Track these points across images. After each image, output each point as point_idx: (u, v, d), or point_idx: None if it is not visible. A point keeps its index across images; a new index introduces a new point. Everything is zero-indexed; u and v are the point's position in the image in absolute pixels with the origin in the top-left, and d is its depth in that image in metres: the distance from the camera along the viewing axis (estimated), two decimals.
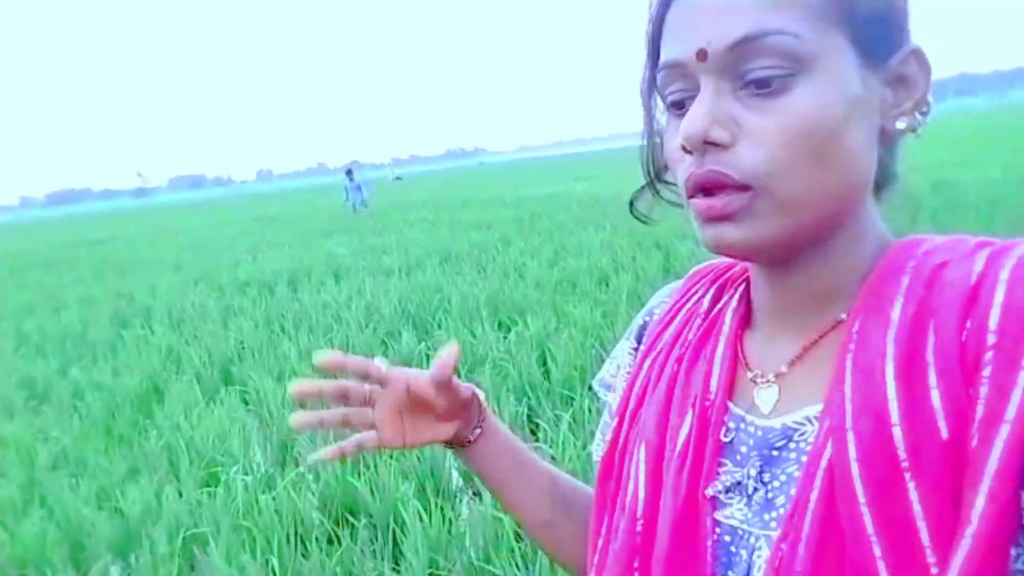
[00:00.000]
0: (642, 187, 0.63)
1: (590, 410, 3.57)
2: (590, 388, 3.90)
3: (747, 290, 0.62)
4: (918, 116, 0.52)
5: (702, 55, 0.49)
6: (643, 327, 0.72)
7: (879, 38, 0.51)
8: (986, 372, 0.43)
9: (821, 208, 0.50)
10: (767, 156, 0.48)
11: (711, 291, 0.66)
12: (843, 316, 0.53)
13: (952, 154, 15.24)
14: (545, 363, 4.39)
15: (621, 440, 0.64)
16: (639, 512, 0.58)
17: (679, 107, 0.53)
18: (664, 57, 0.53)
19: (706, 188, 0.50)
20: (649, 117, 0.59)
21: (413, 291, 7.05)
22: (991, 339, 0.44)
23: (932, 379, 0.45)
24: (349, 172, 21.18)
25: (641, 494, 0.59)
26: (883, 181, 0.56)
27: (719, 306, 0.64)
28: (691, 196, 0.52)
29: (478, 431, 0.75)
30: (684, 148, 0.50)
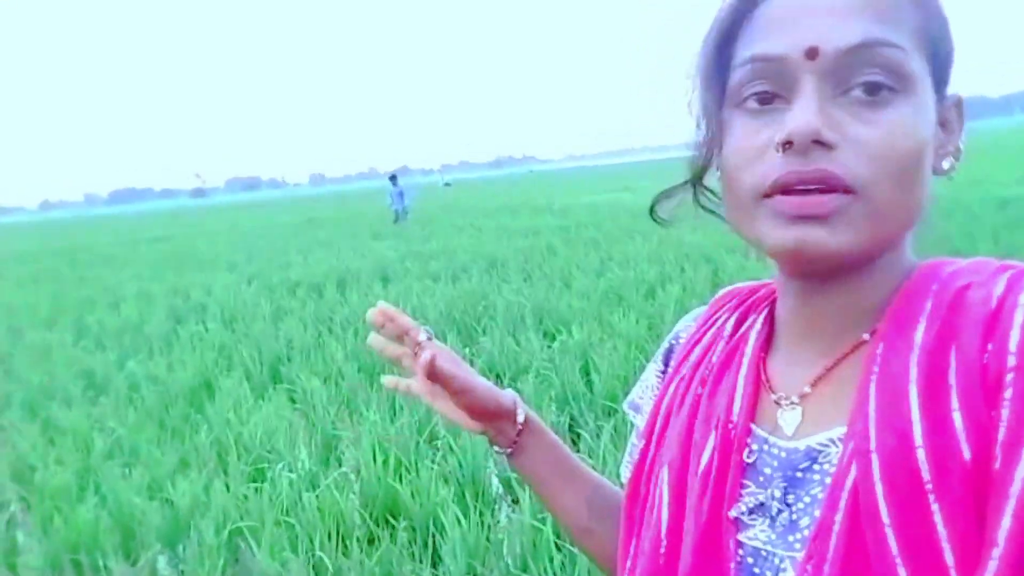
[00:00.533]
0: (669, 189, 0.62)
1: (632, 423, 3.54)
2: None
3: (771, 313, 0.63)
4: (954, 161, 0.54)
5: (813, 53, 0.49)
6: (670, 350, 0.72)
7: (944, 78, 0.53)
8: (1007, 394, 0.44)
9: (901, 225, 0.51)
10: (869, 163, 0.48)
11: (735, 315, 0.66)
12: (865, 336, 0.54)
13: (1014, 172, 14.73)
14: (588, 374, 4.38)
15: (648, 462, 0.64)
16: (663, 533, 0.58)
17: (764, 103, 0.51)
18: (756, 50, 0.51)
19: (801, 188, 0.49)
20: (712, 113, 0.55)
21: (459, 297, 7.10)
22: (1012, 361, 0.44)
23: (954, 401, 0.45)
24: (393, 178, 20.32)
25: (664, 516, 0.59)
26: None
27: (743, 329, 0.64)
28: (774, 195, 0.50)
29: (518, 439, 0.77)
30: (784, 144, 0.49)
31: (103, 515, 3.31)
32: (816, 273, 0.54)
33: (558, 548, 2.68)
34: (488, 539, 2.83)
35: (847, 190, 0.48)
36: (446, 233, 14.93)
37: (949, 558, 0.43)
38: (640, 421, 0.72)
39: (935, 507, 0.44)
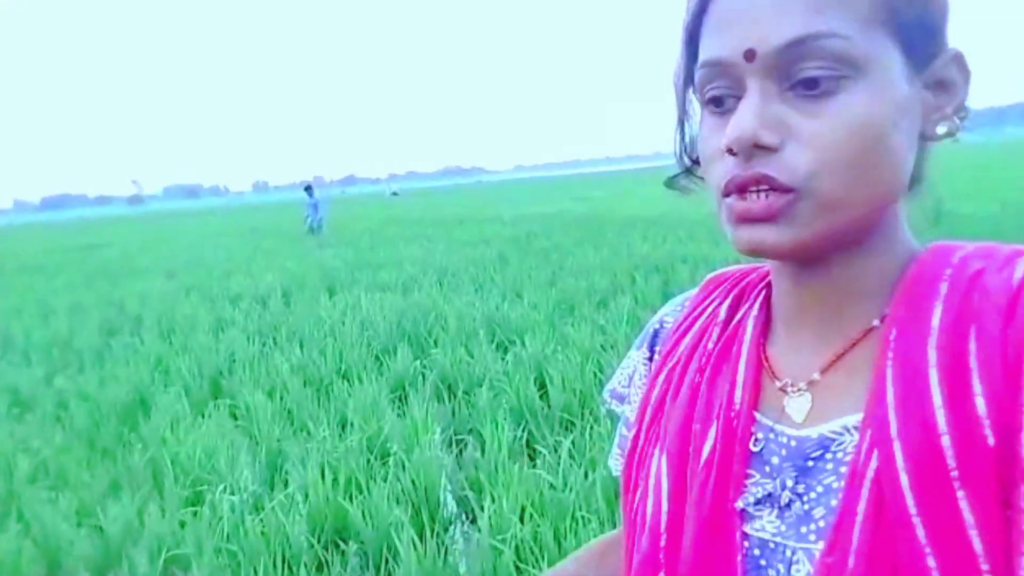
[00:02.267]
0: (676, 175, 0.62)
1: (591, 436, 3.47)
2: (591, 413, 3.82)
3: (767, 297, 0.61)
4: (956, 121, 0.52)
5: (750, 55, 0.48)
6: (655, 335, 0.70)
7: (923, 42, 0.50)
8: None
9: (861, 210, 0.50)
10: (815, 158, 0.47)
11: (728, 299, 0.64)
12: (875, 322, 0.53)
13: (951, 186, 15.30)
14: (543, 386, 4.29)
15: (639, 451, 0.62)
16: (662, 527, 0.56)
17: (718, 104, 0.52)
18: (706, 54, 0.51)
19: (747, 189, 0.49)
20: (682, 111, 0.58)
21: (409, 308, 6.95)
22: None
23: (976, 386, 0.45)
24: (308, 188, 18.69)
25: (664, 507, 0.57)
26: (912, 182, 0.55)
27: (739, 315, 0.62)
28: (727, 196, 0.50)
29: None
30: (730, 150, 0.49)
31: (27, 543, 3.06)
32: (790, 263, 0.55)
33: (518, 569, 2.57)
34: (445, 560, 2.71)
35: (786, 189, 0.48)
36: (394, 243, 14.73)
37: (978, 546, 0.43)
38: (629, 411, 0.70)
39: (961, 494, 0.43)
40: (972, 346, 0.46)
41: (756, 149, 0.48)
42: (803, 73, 0.48)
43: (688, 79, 0.55)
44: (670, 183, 0.63)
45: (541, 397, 4.11)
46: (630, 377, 0.72)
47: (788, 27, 0.47)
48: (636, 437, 0.63)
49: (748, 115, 0.48)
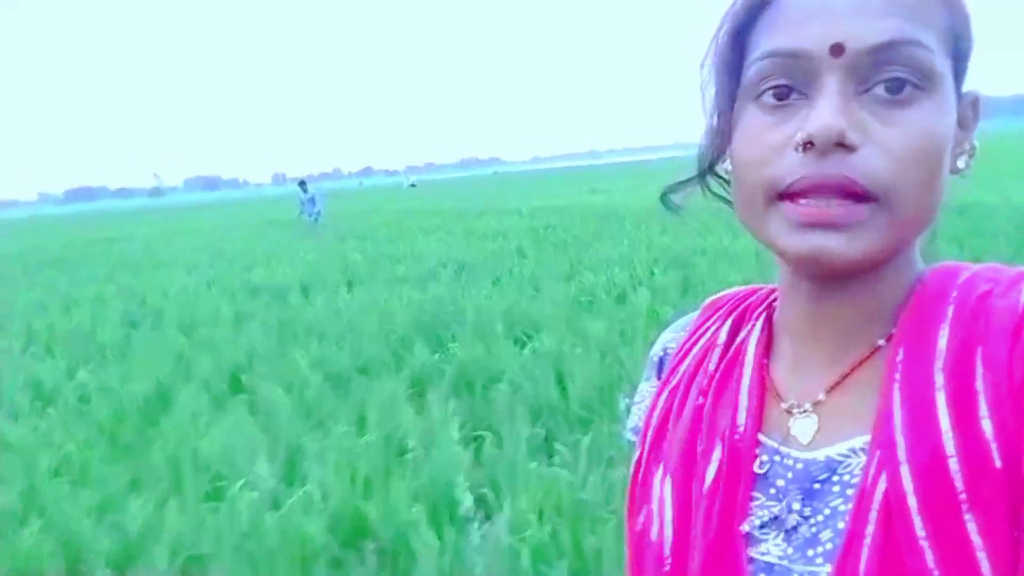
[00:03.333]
0: (685, 180, 0.60)
1: (610, 433, 3.43)
2: (609, 410, 3.78)
3: (769, 318, 0.61)
4: (968, 159, 0.53)
5: (838, 50, 0.47)
6: (660, 363, 0.70)
7: (963, 77, 0.51)
8: None
9: (920, 229, 0.50)
10: (892, 167, 0.46)
11: (728, 322, 0.64)
12: (880, 343, 0.52)
13: (975, 176, 15.00)
14: (562, 381, 4.26)
15: (641, 473, 0.62)
16: (667, 550, 0.56)
17: (782, 98, 0.50)
18: (776, 44, 0.49)
19: (805, 193, 0.47)
20: (726, 107, 0.54)
21: (427, 301, 6.94)
22: None
23: (983, 409, 0.45)
24: (302, 184, 19.16)
25: (668, 531, 0.56)
26: None
27: (740, 337, 0.62)
28: (790, 197, 0.48)
29: None
30: (806, 144, 0.47)
31: (48, 539, 3.09)
32: (832, 277, 0.53)
33: (535, 568, 2.55)
34: (462, 559, 2.69)
35: (868, 197, 0.46)
36: (413, 235, 14.73)
37: (986, 569, 0.43)
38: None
39: (968, 517, 0.43)
40: (979, 369, 0.46)
41: (835, 147, 0.46)
42: (888, 75, 0.47)
43: (734, 70, 0.53)
44: (671, 191, 0.61)
45: (560, 394, 4.08)
46: (644, 410, 0.70)
47: (883, 28, 0.47)
48: (639, 461, 0.63)
49: (832, 110, 0.46)
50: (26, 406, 4.98)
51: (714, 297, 0.69)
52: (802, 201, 0.47)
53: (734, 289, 0.68)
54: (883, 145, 0.46)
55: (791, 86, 0.49)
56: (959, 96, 0.51)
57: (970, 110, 0.53)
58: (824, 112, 0.46)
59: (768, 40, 0.50)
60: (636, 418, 0.72)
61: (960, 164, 0.52)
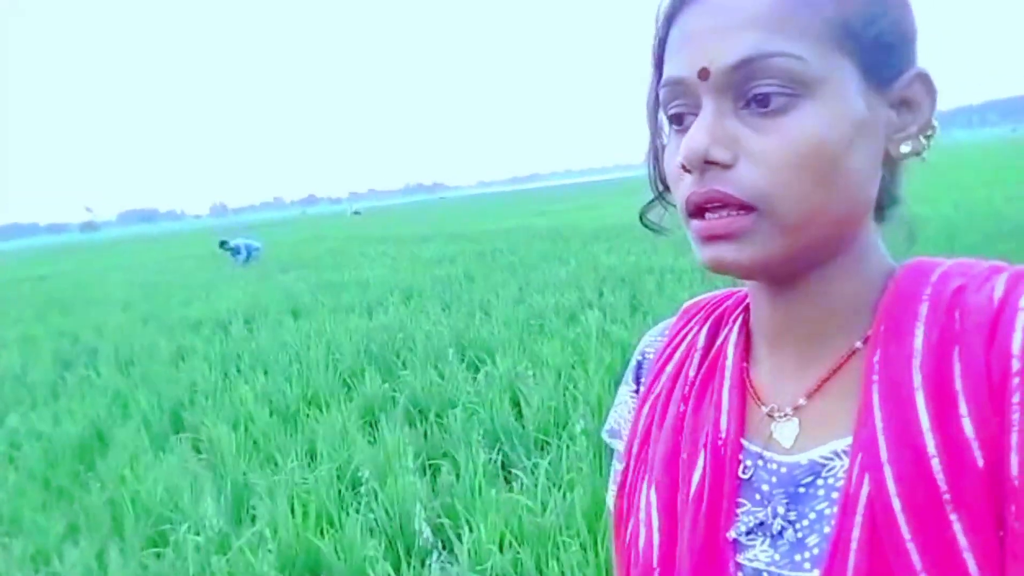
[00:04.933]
0: (651, 201, 0.62)
1: (567, 456, 3.40)
2: (567, 432, 3.75)
3: (745, 322, 0.61)
4: (922, 140, 0.52)
5: (704, 73, 0.49)
6: (639, 367, 0.70)
7: (884, 61, 0.50)
8: (1016, 399, 0.43)
9: (823, 229, 0.49)
10: (768, 176, 0.47)
11: (706, 326, 0.64)
12: (858, 344, 0.52)
13: (908, 189, 15.63)
14: (518, 405, 4.22)
15: (628, 484, 0.62)
16: (655, 560, 0.55)
17: (679, 121, 0.52)
18: (667, 73, 0.52)
19: (706, 208, 0.49)
20: (653, 133, 0.58)
21: (375, 330, 6.83)
22: (1016, 364, 0.43)
23: (963, 407, 0.45)
24: (223, 243, 18.83)
25: (655, 540, 0.56)
26: (885, 203, 0.55)
27: (719, 341, 0.62)
28: (691, 216, 0.51)
29: None
30: (684, 167, 0.49)
31: None
32: (760, 282, 0.55)
33: None
34: None
35: (744, 207, 0.48)
36: (358, 263, 14.55)
37: (973, 568, 0.43)
38: (620, 446, 0.68)
39: (953, 517, 0.43)
40: (957, 367, 0.46)
41: (708, 165, 0.48)
42: (755, 90, 0.48)
43: (656, 101, 0.56)
44: (645, 211, 0.62)
45: (516, 418, 4.03)
46: (622, 412, 0.71)
47: (739, 46, 0.47)
48: (625, 471, 0.63)
49: (700, 131, 0.48)
50: None
51: (691, 302, 0.69)
52: (695, 218, 0.50)
53: (711, 293, 0.68)
54: (757, 156, 0.48)
55: (685, 111, 0.52)
56: (886, 83, 0.50)
57: (917, 88, 0.51)
58: (691, 136, 0.48)
59: (665, 69, 0.52)
60: (612, 420, 0.72)
61: (903, 149, 0.51)
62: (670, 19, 0.52)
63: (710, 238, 0.49)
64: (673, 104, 0.52)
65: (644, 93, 0.58)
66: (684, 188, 0.51)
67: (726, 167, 0.48)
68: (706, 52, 0.49)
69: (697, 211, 0.50)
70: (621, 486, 0.63)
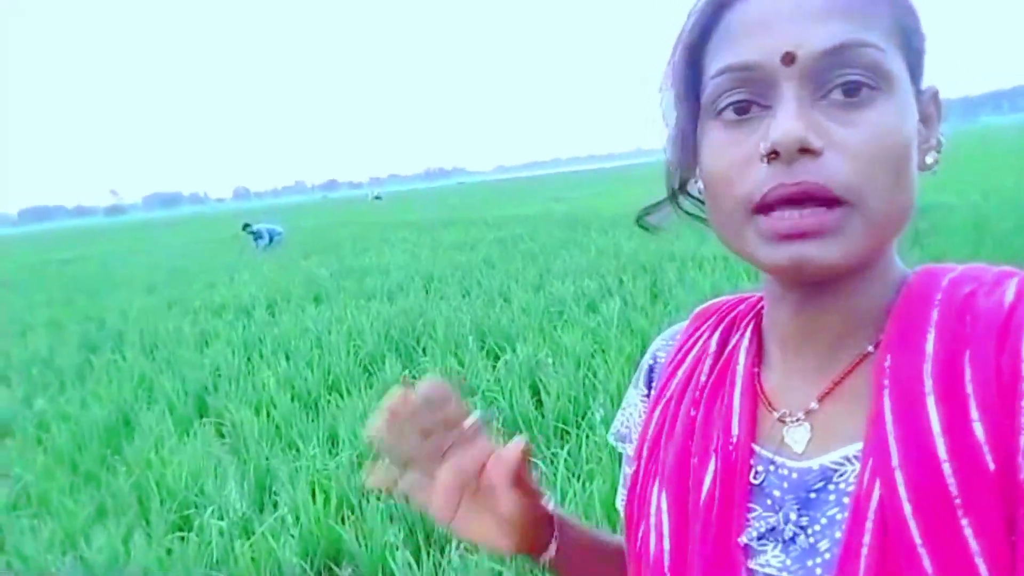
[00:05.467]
0: (657, 202, 0.60)
1: (587, 445, 3.40)
2: (586, 421, 3.75)
3: (757, 327, 0.61)
4: (936, 154, 0.53)
5: (789, 58, 0.47)
6: (650, 371, 0.70)
7: (920, 73, 0.51)
8: None
9: (896, 229, 0.50)
10: (858, 168, 0.46)
11: (718, 331, 0.64)
12: (869, 348, 0.52)
13: (932, 178, 15.37)
14: (537, 393, 4.22)
15: (639, 488, 0.62)
16: (666, 565, 0.55)
17: (742, 112, 0.49)
18: (730, 59, 0.49)
19: (786, 203, 0.47)
20: (687, 127, 0.54)
21: (396, 315, 6.86)
22: None
23: (974, 411, 0.44)
24: (247, 226, 18.87)
25: (666, 545, 0.56)
26: None
27: (730, 346, 0.62)
28: (764, 211, 0.48)
29: (550, 551, 0.66)
30: (770, 154, 0.47)
31: None
32: (816, 285, 0.53)
33: None
34: None
35: (839, 201, 0.46)
36: (379, 248, 14.60)
37: (984, 572, 0.43)
38: (630, 449, 0.69)
39: (964, 521, 0.43)
40: (967, 371, 0.46)
41: (800, 154, 0.46)
42: (843, 79, 0.47)
43: (691, 89, 0.53)
44: (646, 213, 0.61)
45: (535, 406, 4.04)
46: (631, 415, 0.71)
47: (831, 32, 0.46)
48: (636, 474, 0.63)
49: (792, 117, 0.46)
50: None
51: (703, 307, 0.69)
52: (775, 213, 0.47)
53: (723, 298, 0.68)
54: (846, 148, 0.46)
55: (750, 99, 0.49)
56: (918, 93, 0.51)
57: (932, 106, 0.53)
58: (784, 120, 0.46)
59: (722, 56, 0.50)
60: (619, 423, 0.72)
61: (929, 160, 0.52)
62: (722, 4, 0.51)
63: (792, 236, 0.47)
64: (733, 92, 0.50)
65: (662, 79, 0.56)
66: (754, 182, 0.48)
67: (815, 155, 0.46)
68: (790, 37, 0.47)
69: (767, 207, 0.47)
70: (631, 490, 0.63)
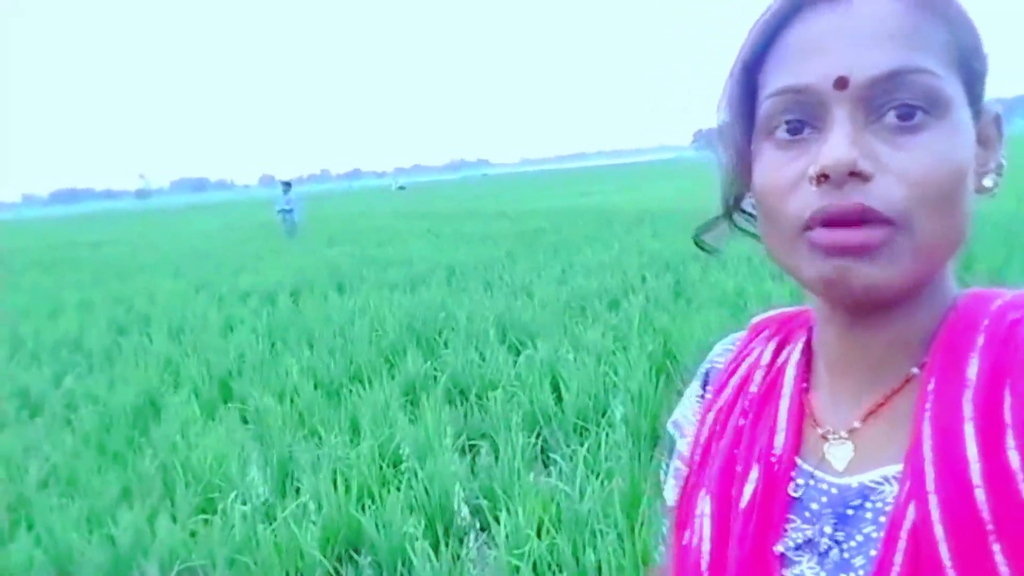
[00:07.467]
0: (712, 219, 0.61)
1: (607, 444, 3.42)
2: (606, 419, 3.76)
3: (808, 342, 0.61)
4: (997, 177, 0.53)
5: (842, 83, 0.47)
6: (707, 373, 0.71)
7: (979, 94, 0.51)
8: None
9: (948, 254, 0.50)
10: (908, 193, 0.46)
11: (772, 343, 0.64)
12: (914, 371, 0.52)
13: None
14: (557, 389, 4.24)
15: (688, 490, 0.64)
16: (703, 567, 0.57)
17: (795, 132, 0.50)
18: (784, 82, 0.50)
19: (844, 221, 0.47)
20: (742, 146, 0.55)
21: (418, 307, 6.90)
22: None
23: (1010, 440, 0.45)
24: (287, 185, 16.96)
25: (706, 548, 0.57)
26: None
27: (781, 360, 0.62)
28: (815, 228, 0.48)
29: None
30: (819, 177, 0.47)
31: (37, 553, 3.03)
32: (863, 305, 0.52)
33: None
34: (460, 573, 2.67)
35: (888, 222, 0.46)
36: (402, 239, 14.68)
37: None
38: (683, 445, 0.69)
39: (995, 547, 0.44)
40: (1008, 399, 0.46)
41: (850, 177, 0.47)
42: (894, 104, 0.47)
43: (746, 108, 0.54)
44: (702, 231, 0.62)
45: (555, 402, 4.05)
46: (687, 409, 0.72)
47: (884, 58, 0.47)
48: (688, 477, 0.64)
49: (844, 141, 0.47)
50: (12, 415, 4.91)
51: (760, 318, 0.70)
52: (824, 230, 0.48)
53: (779, 310, 0.69)
54: (898, 172, 0.47)
55: (803, 121, 0.50)
56: (977, 115, 0.51)
57: (993, 128, 0.53)
58: (835, 144, 0.47)
59: (776, 77, 0.51)
60: (678, 414, 0.73)
61: (987, 183, 0.52)
62: (780, 24, 0.51)
63: (839, 250, 0.47)
64: (785, 113, 0.50)
65: (704, 81, 0.57)
66: (804, 201, 0.49)
67: (866, 180, 0.47)
68: (843, 61, 0.47)
69: (827, 223, 0.48)
70: (683, 491, 0.65)
